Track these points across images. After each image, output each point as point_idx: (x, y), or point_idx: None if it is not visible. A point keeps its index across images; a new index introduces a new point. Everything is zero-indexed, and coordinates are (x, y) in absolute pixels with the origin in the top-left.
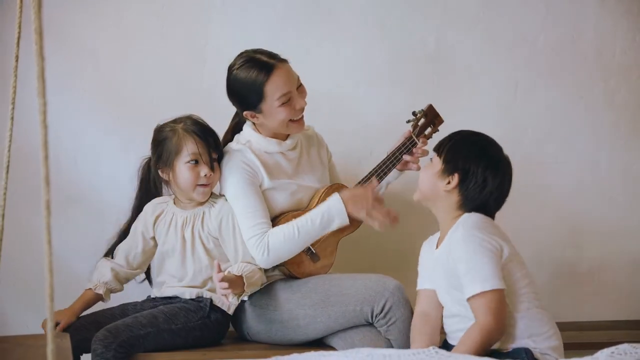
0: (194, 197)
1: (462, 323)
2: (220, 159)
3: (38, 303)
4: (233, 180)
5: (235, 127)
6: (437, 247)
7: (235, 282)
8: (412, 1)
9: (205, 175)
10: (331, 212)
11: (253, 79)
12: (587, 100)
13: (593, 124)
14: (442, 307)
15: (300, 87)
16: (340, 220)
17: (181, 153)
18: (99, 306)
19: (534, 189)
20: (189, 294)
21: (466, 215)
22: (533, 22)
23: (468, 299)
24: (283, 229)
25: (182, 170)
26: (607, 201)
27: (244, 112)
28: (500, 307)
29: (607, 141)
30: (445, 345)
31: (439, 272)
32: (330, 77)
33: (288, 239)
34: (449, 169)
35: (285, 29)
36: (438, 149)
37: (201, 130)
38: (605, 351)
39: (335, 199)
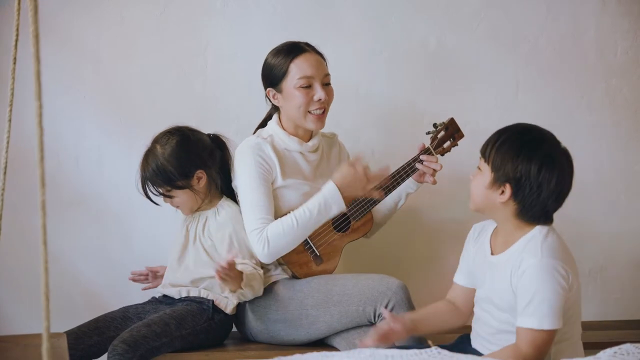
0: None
1: (491, 318)
2: (187, 180)
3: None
4: (245, 172)
5: (266, 121)
6: (492, 251)
7: (236, 275)
8: (414, 1)
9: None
10: (328, 200)
11: (284, 55)
12: (589, 100)
13: (594, 123)
14: (473, 305)
15: (328, 85)
16: (337, 207)
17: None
18: (99, 311)
19: None
20: (184, 292)
21: (541, 233)
22: (534, 21)
23: (519, 327)
24: (282, 221)
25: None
26: (608, 201)
27: (267, 90)
28: (547, 347)
29: (609, 141)
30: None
31: (491, 278)
32: (332, 77)
33: (287, 230)
34: (499, 178)
35: (285, 31)
36: (484, 152)
37: (148, 178)
38: (608, 351)
39: (330, 187)
